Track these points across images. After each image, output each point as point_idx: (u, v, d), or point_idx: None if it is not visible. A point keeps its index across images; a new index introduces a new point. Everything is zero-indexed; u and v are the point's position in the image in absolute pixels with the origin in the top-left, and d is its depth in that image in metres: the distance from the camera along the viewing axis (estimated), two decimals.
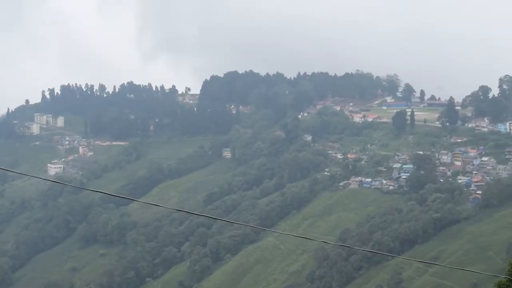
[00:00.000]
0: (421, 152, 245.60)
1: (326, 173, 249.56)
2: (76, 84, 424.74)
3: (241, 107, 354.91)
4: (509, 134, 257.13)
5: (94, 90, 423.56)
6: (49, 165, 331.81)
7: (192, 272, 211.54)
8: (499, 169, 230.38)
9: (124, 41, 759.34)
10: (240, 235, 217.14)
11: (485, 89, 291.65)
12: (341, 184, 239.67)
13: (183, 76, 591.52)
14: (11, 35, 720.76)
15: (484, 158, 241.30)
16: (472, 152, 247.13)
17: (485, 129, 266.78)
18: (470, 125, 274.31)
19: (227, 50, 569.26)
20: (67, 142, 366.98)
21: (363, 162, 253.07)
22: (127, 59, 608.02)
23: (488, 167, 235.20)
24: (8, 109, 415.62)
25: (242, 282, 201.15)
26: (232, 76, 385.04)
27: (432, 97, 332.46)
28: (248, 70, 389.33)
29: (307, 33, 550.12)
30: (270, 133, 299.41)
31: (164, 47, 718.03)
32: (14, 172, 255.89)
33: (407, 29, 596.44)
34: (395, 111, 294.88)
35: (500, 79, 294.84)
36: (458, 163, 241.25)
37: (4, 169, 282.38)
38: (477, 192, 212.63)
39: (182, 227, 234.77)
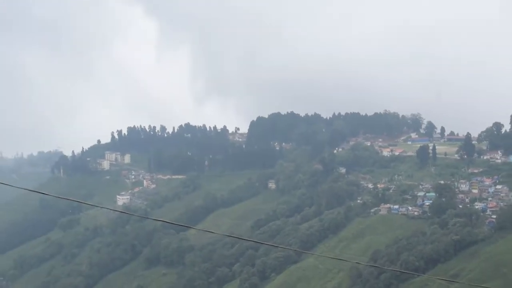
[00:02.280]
0: (442, 182, 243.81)
1: (358, 201, 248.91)
2: (140, 126, 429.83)
3: (283, 144, 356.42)
4: None
5: (156, 131, 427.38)
6: (118, 196, 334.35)
7: None
8: (511, 196, 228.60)
9: (179, 86, 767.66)
10: (284, 257, 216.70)
11: (498, 125, 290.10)
12: (372, 210, 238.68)
13: (230, 116, 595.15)
14: (82, 84, 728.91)
15: (498, 186, 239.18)
16: (487, 181, 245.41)
17: (499, 161, 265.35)
18: (485, 157, 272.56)
19: (268, 92, 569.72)
20: (133, 177, 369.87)
21: (391, 191, 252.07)
22: (182, 102, 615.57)
23: (501, 194, 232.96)
24: (83, 148, 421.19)
25: None
26: (275, 116, 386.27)
27: (451, 133, 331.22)
28: (289, 112, 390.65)
29: (340, 77, 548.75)
30: (310, 166, 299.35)
31: (213, 90, 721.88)
32: (87, 204, 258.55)
33: (428, 70, 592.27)
34: (419, 145, 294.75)
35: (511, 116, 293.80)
36: (475, 191, 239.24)
37: (79, 201, 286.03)
38: (492, 216, 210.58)
39: (233, 250, 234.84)
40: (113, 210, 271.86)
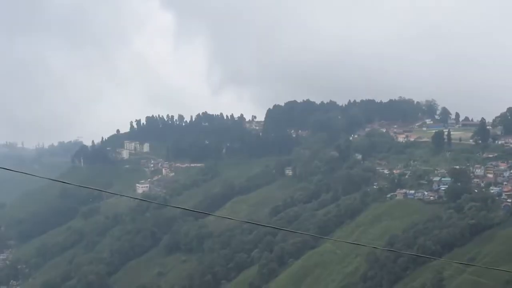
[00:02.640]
0: (457, 167, 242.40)
1: (375, 187, 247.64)
2: (159, 115, 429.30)
3: (300, 131, 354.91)
4: None
5: (174, 120, 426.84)
6: (137, 185, 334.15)
7: (260, 274, 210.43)
8: None
9: (197, 76, 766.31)
10: (302, 242, 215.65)
11: None
12: (388, 196, 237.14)
13: (246, 105, 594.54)
14: (102, 76, 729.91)
15: None
16: (503, 166, 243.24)
17: None
18: (500, 142, 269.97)
19: (283, 81, 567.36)
20: (152, 165, 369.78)
21: (407, 177, 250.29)
22: (200, 91, 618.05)
23: None
24: (102, 138, 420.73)
25: (304, 283, 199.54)
26: (291, 104, 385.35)
27: (466, 118, 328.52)
28: (305, 99, 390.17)
29: (355, 65, 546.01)
30: (326, 153, 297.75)
31: (230, 79, 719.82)
32: (107, 192, 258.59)
33: (443, 57, 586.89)
34: (434, 131, 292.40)
35: None
36: (490, 176, 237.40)
37: (99, 190, 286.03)
38: (508, 200, 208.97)
39: (252, 236, 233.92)
40: (132, 198, 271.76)
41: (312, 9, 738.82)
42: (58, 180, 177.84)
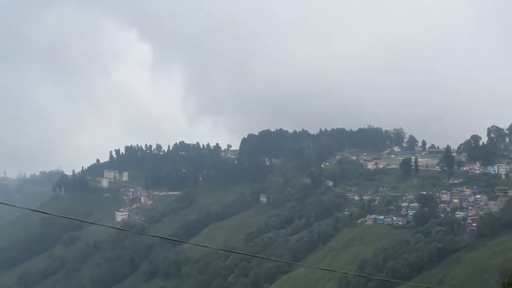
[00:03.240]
0: (424, 193, 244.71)
1: (346, 213, 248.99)
2: (137, 145, 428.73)
3: (273, 159, 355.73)
4: (498, 175, 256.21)
5: (152, 149, 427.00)
6: (116, 213, 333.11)
7: None
8: (490, 205, 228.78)
9: (174, 106, 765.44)
10: (276, 267, 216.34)
11: (476, 138, 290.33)
12: (359, 221, 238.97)
13: (221, 134, 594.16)
14: (82, 106, 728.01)
15: (477, 196, 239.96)
16: (467, 191, 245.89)
17: (477, 171, 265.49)
18: (464, 169, 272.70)
19: (257, 111, 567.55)
20: (131, 193, 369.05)
21: (376, 202, 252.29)
22: (177, 120, 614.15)
23: (481, 203, 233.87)
24: (83, 167, 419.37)
25: None
26: (265, 133, 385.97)
27: (432, 146, 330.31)
28: (278, 128, 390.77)
29: (325, 94, 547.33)
30: (298, 180, 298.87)
31: (205, 110, 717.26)
32: (87, 222, 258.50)
33: (410, 86, 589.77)
34: (402, 158, 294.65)
35: (488, 129, 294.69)
36: (455, 201, 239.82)
37: (79, 220, 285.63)
38: (473, 224, 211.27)
39: (228, 262, 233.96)
40: (112, 227, 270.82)
41: (284, 41, 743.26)
42: (39, 210, 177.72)
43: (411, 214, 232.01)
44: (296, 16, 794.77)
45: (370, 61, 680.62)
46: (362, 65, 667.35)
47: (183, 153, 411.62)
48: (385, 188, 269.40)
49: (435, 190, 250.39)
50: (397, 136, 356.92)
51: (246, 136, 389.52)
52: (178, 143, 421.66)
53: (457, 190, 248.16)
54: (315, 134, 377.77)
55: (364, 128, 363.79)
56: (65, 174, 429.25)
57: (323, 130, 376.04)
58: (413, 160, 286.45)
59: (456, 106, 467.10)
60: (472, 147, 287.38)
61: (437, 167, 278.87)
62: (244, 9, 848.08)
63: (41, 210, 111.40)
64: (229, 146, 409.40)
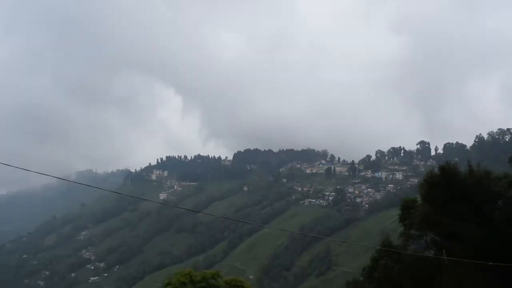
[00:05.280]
0: (339, 187, 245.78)
1: (293, 197, 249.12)
2: (172, 155, 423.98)
3: (252, 166, 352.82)
4: (380, 178, 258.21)
5: (181, 158, 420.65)
6: (160, 194, 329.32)
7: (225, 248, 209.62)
8: (376, 195, 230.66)
9: (193, 133, 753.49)
10: (251, 228, 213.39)
11: (369, 156, 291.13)
12: (301, 202, 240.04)
13: (221, 150, 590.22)
14: (141, 131, 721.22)
15: (369, 189, 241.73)
16: (363, 187, 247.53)
17: (369, 176, 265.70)
18: (362, 174, 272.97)
19: (243, 136, 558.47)
20: (168, 183, 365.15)
21: (311, 192, 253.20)
22: (195, 142, 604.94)
23: (370, 194, 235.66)
24: (141, 167, 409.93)
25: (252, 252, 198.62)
26: (247, 151, 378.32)
27: (344, 160, 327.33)
28: (255, 148, 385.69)
29: (281, 126, 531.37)
30: (266, 178, 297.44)
31: (212, 135, 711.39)
32: (142, 199, 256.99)
33: (334, 121, 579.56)
34: (326, 167, 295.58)
35: (376, 151, 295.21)
36: (356, 192, 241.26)
37: (138, 197, 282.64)
38: (366, 206, 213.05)
39: (224, 224, 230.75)
40: (156, 202, 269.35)
41: (261, 96, 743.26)
42: (116, 191, 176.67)
43: (331, 199, 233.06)
44: (268, 79, 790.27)
45: (310, 105, 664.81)
46: (303, 108, 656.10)
47: (199, 161, 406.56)
48: (316, 184, 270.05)
49: (344, 185, 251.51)
50: (323, 154, 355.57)
51: (236, 152, 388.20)
52: (196, 155, 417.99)
53: (357, 186, 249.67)
54: (277, 151, 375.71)
55: (304, 149, 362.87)
56: (131, 171, 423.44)
57: (281, 149, 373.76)
58: (332, 168, 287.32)
59: (358, 136, 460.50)
60: (366, 161, 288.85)
61: (346, 172, 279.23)
62: (238, 77, 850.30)
63: (117, 191, 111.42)
64: (226, 157, 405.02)
